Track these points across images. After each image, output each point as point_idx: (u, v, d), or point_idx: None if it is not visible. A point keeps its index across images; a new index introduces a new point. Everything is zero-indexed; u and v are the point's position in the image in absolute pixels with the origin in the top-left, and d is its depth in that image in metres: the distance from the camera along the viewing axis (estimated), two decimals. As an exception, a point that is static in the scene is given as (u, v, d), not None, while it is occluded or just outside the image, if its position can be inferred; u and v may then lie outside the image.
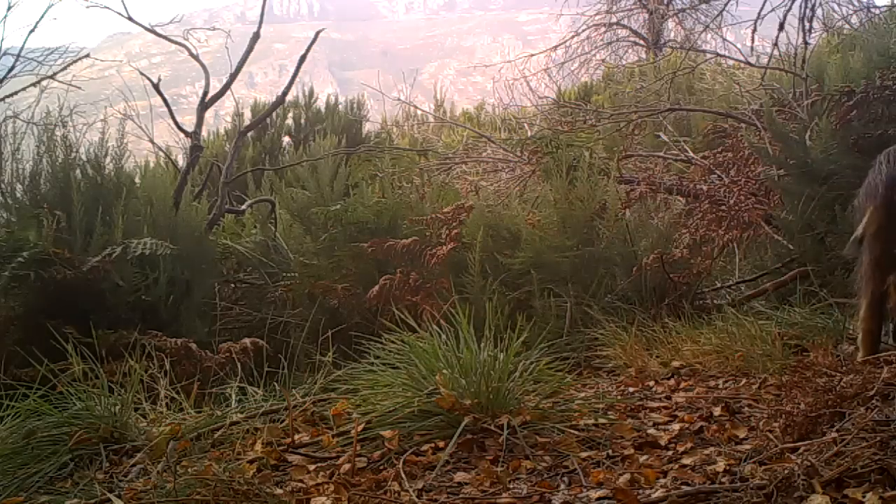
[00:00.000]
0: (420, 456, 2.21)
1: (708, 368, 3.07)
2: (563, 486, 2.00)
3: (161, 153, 5.83)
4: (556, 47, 14.28)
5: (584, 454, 2.18)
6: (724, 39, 10.39)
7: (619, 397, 2.75)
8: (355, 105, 9.83)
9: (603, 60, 13.61)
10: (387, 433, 2.26)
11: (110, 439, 2.44)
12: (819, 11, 6.02)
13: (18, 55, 5.84)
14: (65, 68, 5.81)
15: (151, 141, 5.36)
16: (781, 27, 5.58)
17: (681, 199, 5.00)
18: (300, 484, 2.06)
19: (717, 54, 7.87)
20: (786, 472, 1.76)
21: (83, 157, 4.07)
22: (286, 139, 9.19)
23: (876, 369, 2.40)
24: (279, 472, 2.19)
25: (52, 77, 5.70)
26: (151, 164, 6.46)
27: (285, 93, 5.63)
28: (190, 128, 4.91)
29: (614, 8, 14.27)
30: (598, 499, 1.89)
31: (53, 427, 2.43)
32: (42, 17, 5.79)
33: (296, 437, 2.40)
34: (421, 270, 4.06)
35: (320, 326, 3.88)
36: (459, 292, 3.89)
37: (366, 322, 3.93)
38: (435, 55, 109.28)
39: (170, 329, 3.73)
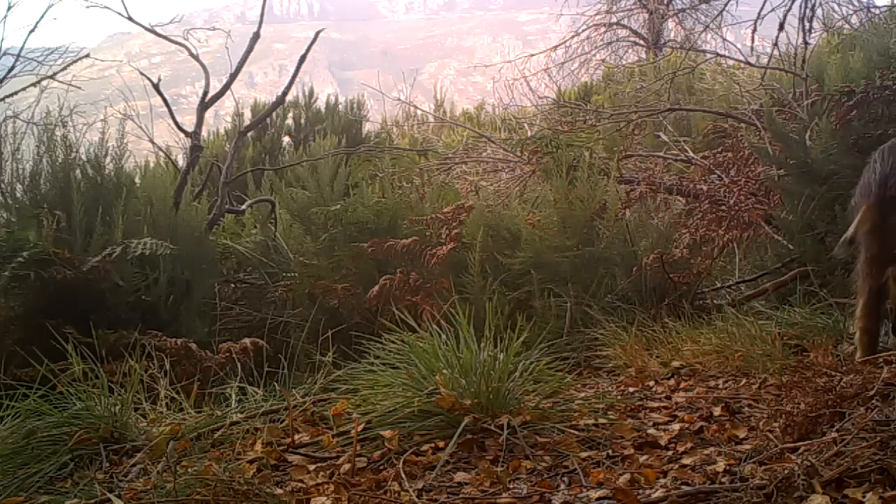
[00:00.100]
0: (420, 456, 2.21)
1: (708, 368, 3.07)
2: (563, 486, 2.00)
3: (161, 153, 5.83)
4: (556, 47, 14.28)
5: (584, 454, 2.18)
6: (724, 39, 10.40)
7: (619, 397, 2.75)
8: (355, 105, 9.83)
9: (603, 60, 13.61)
10: (387, 433, 2.26)
11: (110, 439, 2.44)
12: (819, 11, 6.03)
13: (18, 55, 5.85)
14: (65, 68, 5.81)
15: (151, 141, 5.37)
16: (781, 27, 5.58)
17: (681, 199, 5.01)
18: (300, 484, 2.06)
19: (717, 54, 7.87)
20: (786, 472, 1.76)
21: (83, 157, 4.07)
22: (286, 139, 9.19)
23: (876, 369, 2.40)
24: (279, 472, 2.19)
25: (52, 77, 5.70)
26: (151, 164, 6.46)
27: (285, 93, 5.63)
28: (190, 128, 4.91)
29: (614, 8, 14.28)
30: (598, 499, 1.89)
31: (53, 427, 2.43)
32: (42, 17, 5.80)
33: (296, 437, 2.40)
34: (421, 270, 4.06)
35: (320, 326, 3.88)
36: (459, 292, 3.89)
37: (366, 322, 3.93)
38: (435, 55, 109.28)
39: (170, 329, 3.73)
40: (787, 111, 4.99)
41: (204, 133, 5.57)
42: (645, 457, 2.14)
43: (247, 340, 3.72)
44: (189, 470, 2.11)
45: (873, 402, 2.09)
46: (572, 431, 2.31)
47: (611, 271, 3.96)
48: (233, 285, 4.69)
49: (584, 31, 14.25)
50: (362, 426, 2.30)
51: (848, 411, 2.07)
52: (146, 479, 2.17)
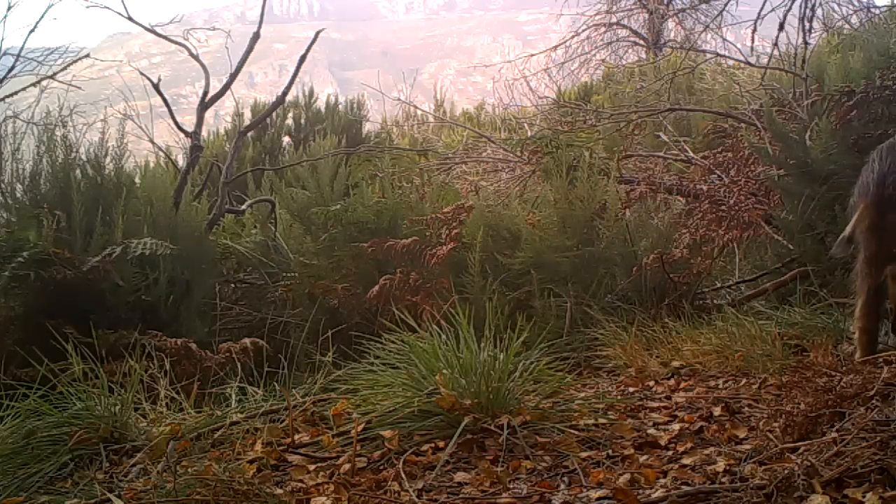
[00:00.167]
0: (420, 456, 2.21)
1: (708, 368, 3.07)
2: (563, 486, 2.00)
3: (161, 153, 5.83)
4: (556, 47, 14.28)
5: (584, 454, 2.18)
6: (724, 39, 10.40)
7: (619, 397, 2.75)
8: (355, 105, 9.83)
9: (603, 60, 13.61)
10: (387, 433, 2.26)
11: (110, 439, 2.44)
12: (819, 11, 6.04)
13: (18, 55, 5.85)
14: (65, 68, 5.81)
15: (151, 141, 5.37)
16: (781, 27, 5.58)
17: (681, 199, 5.01)
18: (300, 484, 2.06)
19: (717, 54, 7.87)
20: (786, 472, 1.76)
21: (83, 157, 4.07)
22: (286, 139, 9.19)
23: (876, 369, 2.40)
24: (279, 472, 2.19)
25: (52, 77, 5.70)
26: (151, 164, 6.46)
27: (285, 93, 5.63)
28: (190, 128, 4.91)
29: (614, 8, 14.28)
30: (598, 499, 1.89)
31: (53, 427, 2.43)
32: (42, 17, 5.80)
33: (296, 437, 2.40)
34: (421, 270, 4.06)
35: (320, 326, 3.88)
36: (459, 292, 3.89)
37: (366, 322, 3.93)
38: (435, 55, 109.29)
39: (170, 329, 3.73)
40: (787, 111, 4.99)
41: (204, 133, 5.57)
42: (645, 457, 2.14)
43: (247, 340, 3.72)
44: (189, 470, 2.11)
45: (873, 402, 2.09)
46: (572, 431, 2.31)
47: (611, 271, 3.96)
48: (233, 285, 4.69)
49: (584, 31, 14.26)
50: (362, 426, 2.30)
51: (848, 411, 2.07)
52: (146, 479, 2.17)
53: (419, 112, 10.24)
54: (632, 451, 2.18)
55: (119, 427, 2.47)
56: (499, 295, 3.84)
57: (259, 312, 4.36)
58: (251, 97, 11.16)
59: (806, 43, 5.37)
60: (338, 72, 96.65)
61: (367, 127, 9.89)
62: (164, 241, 3.84)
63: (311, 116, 9.45)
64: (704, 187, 4.83)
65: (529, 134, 6.30)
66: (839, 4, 6.55)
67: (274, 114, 8.60)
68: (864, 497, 1.68)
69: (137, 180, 4.53)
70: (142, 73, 5.07)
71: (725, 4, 7.71)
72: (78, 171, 4.00)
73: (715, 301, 4.01)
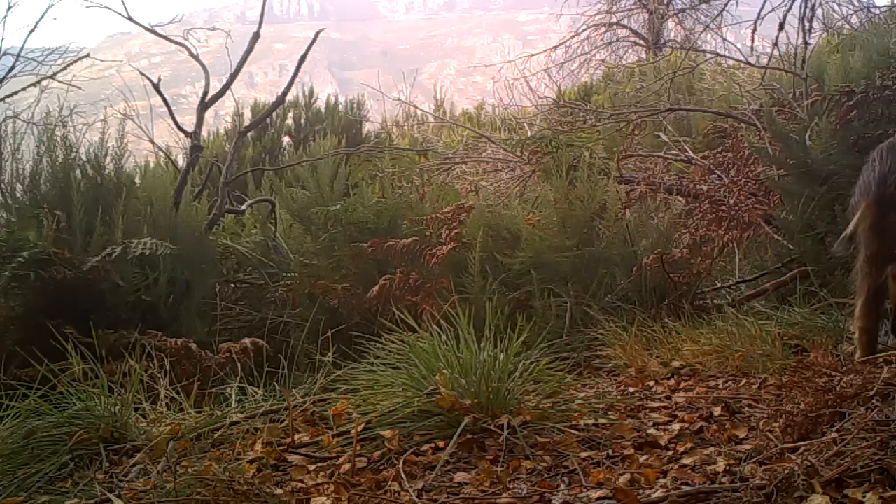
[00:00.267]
0: (420, 456, 2.21)
1: (708, 368, 3.07)
2: (563, 486, 2.00)
3: (161, 153, 5.83)
4: (556, 47, 14.28)
5: (584, 454, 2.18)
6: (724, 39, 10.41)
7: (619, 397, 2.75)
8: (355, 105, 9.83)
9: (603, 60, 13.62)
10: (387, 433, 2.26)
11: (110, 439, 2.44)
12: (819, 11, 6.04)
13: (18, 55, 5.85)
14: (65, 68, 5.81)
15: (151, 141, 5.37)
16: (781, 27, 5.58)
17: (681, 199, 5.01)
18: (300, 484, 2.06)
19: (717, 54, 7.87)
20: (786, 472, 1.76)
21: (83, 157, 4.07)
22: (286, 139, 9.19)
23: (876, 369, 2.40)
24: (279, 472, 2.19)
25: (52, 77, 5.70)
26: (151, 164, 6.46)
27: (285, 93, 5.63)
28: (190, 128, 4.91)
29: (614, 8, 14.28)
30: (598, 499, 1.89)
31: (53, 427, 2.43)
32: (42, 17, 5.80)
33: (296, 437, 2.40)
34: (421, 270, 4.06)
35: (320, 326, 3.88)
36: (459, 292, 3.89)
37: (366, 322, 3.93)
38: (435, 55, 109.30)
39: (170, 329, 3.73)
40: (787, 111, 4.99)
41: (204, 133, 5.57)
42: (645, 457, 2.14)
43: (247, 340, 3.72)
44: (189, 470, 2.11)
45: (873, 402, 2.09)
46: (572, 431, 2.31)
47: (611, 271, 3.96)
48: (233, 285, 4.69)
49: (584, 31, 14.26)
50: (362, 426, 2.30)
51: (848, 411, 2.07)
52: (146, 479, 2.17)
53: (419, 112, 10.25)
54: (632, 451, 2.18)
55: (119, 427, 2.47)
56: (499, 295, 3.83)
57: (259, 312, 4.36)
58: (251, 97, 11.16)
59: (806, 43, 5.38)
60: (338, 72, 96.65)
61: (367, 127, 9.89)
62: (164, 241, 3.83)
63: (311, 116, 9.45)
64: (704, 187, 4.83)
65: (529, 134, 6.30)
66: (839, 4, 6.55)
67: (274, 114, 8.59)
68: (864, 497, 1.68)
69: (137, 180, 4.53)
70: (142, 73, 5.07)
71: (725, 4, 7.72)
72: (78, 171, 4.00)
73: (715, 301, 4.01)
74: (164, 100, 5.02)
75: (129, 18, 5.22)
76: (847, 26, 6.35)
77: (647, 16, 14.17)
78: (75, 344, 2.89)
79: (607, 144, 5.74)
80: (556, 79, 12.91)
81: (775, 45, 5.77)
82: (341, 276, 4.30)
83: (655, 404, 2.64)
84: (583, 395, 2.75)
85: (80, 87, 5.55)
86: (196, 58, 5.06)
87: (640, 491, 1.89)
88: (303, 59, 5.29)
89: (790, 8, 5.60)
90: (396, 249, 4.14)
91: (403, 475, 2.03)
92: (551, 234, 4.06)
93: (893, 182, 2.68)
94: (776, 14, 5.69)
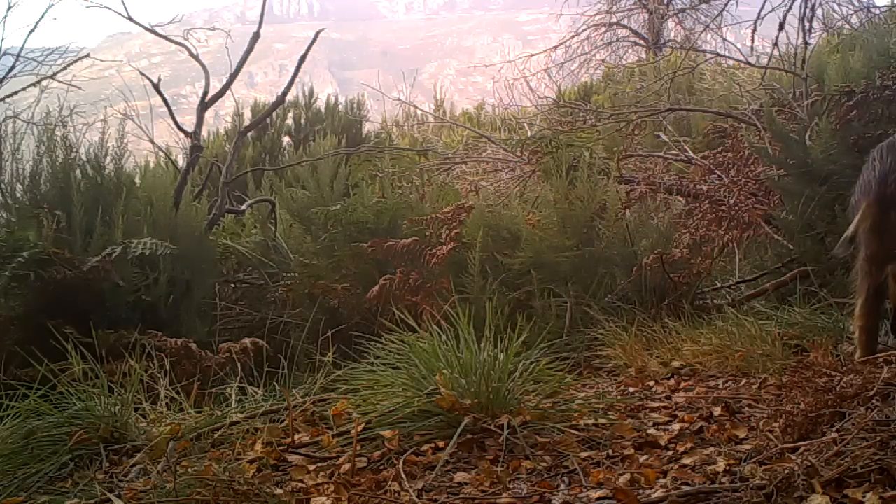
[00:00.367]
0: (420, 456, 2.21)
1: (708, 368, 3.07)
2: (563, 486, 2.00)
3: (161, 153, 5.83)
4: (556, 47, 14.27)
5: (584, 454, 2.18)
6: (724, 39, 10.41)
7: (619, 397, 2.75)
8: (355, 105, 9.83)
9: (603, 60, 13.61)
10: (387, 433, 2.26)
11: (110, 439, 2.44)
12: (819, 11, 6.04)
13: (18, 55, 5.85)
14: (65, 68, 5.81)
15: (151, 141, 5.36)
16: (781, 27, 5.58)
17: (681, 199, 5.01)
18: (300, 484, 2.06)
19: (717, 54, 7.87)
20: (786, 472, 1.76)
21: (83, 157, 4.06)
22: (286, 139, 9.19)
23: (876, 369, 2.40)
24: (279, 472, 2.19)
25: (52, 77, 5.70)
26: (151, 164, 6.46)
27: (285, 93, 5.62)
28: (190, 128, 4.90)
29: (614, 8, 14.28)
30: (598, 499, 1.89)
31: (53, 427, 2.43)
32: (42, 17, 5.80)
33: (296, 437, 2.40)
34: (421, 270, 4.06)
35: (320, 326, 3.88)
36: (459, 292, 3.89)
37: (366, 322, 3.93)
38: (435, 55, 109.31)
39: (170, 329, 3.73)
40: (787, 111, 4.99)
41: (204, 133, 5.57)
42: (645, 457, 2.14)
43: (247, 340, 3.72)
44: (189, 470, 2.11)
45: (873, 402, 2.09)
46: (572, 431, 2.31)
47: (611, 271, 3.96)
48: (233, 285, 4.69)
49: (584, 31, 14.25)
50: (362, 426, 2.30)
51: (848, 411, 2.07)
52: (146, 479, 2.17)
53: (419, 112, 10.24)
54: (632, 451, 2.18)
55: (119, 427, 2.47)
56: (499, 295, 3.83)
57: (259, 312, 4.36)
58: (251, 97, 11.15)
59: (806, 43, 5.38)
60: (338, 72, 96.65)
61: (367, 127, 9.89)
62: (164, 241, 3.83)
63: (311, 116, 9.45)
64: (704, 187, 4.83)
65: (529, 134, 6.30)
66: (839, 4, 6.55)
67: (274, 114, 8.59)
68: (864, 497, 1.68)
69: (137, 180, 4.53)
70: (142, 73, 5.06)
71: (725, 4, 7.73)
72: (78, 171, 4.00)
73: (715, 301, 4.01)
74: (164, 100, 5.02)
75: (129, 18, 5.22)
76: (847, 26, 6.34)
77: (647, 16, 14.17)
78: (75, 344, 2.89)
79: (607, 144, 5.74)
80: (556, 79, 12.91)
81: (775, 45, 5.77)
82: (341, 276, 4.30)
83: (655, 404, 2.64)
84: (583, 395, 2.75)
85: (80, 87, 5.55)
86: (196, 58, 5.06)
87: (640, 491, 1.89)
88: (303, 59, 5.29)
89: (790, 8, 5.61)
90: (396, 249, 4.14)
91: (403, 475, 2.03)
92: (551, 234, 4.06)
93: (894, 181, 2.67)
94: (776, 14, 5.69)
